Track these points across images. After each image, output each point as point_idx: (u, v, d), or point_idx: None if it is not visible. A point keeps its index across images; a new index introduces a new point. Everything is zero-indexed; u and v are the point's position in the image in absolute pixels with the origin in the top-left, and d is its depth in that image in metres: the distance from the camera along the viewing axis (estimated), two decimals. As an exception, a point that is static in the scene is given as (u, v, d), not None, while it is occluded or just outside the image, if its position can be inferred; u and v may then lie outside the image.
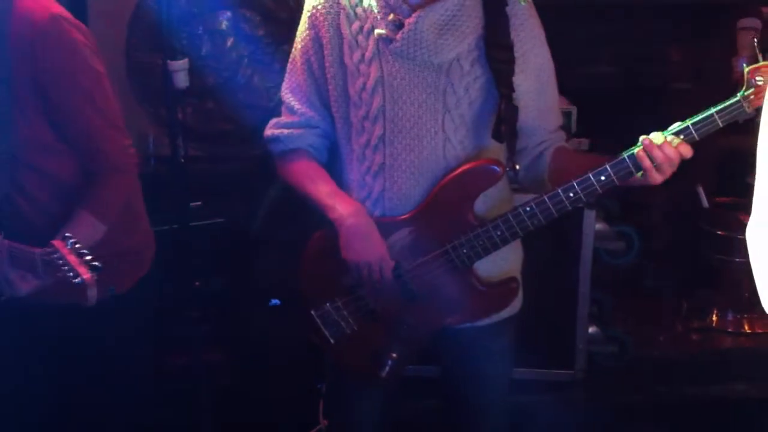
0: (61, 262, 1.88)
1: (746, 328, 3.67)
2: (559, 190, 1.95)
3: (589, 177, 1.93)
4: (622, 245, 3.27)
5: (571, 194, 1.95)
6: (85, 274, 1.88)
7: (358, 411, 2.27)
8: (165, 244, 3.09)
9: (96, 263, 1.89)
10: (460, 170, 2.03)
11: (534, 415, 3.07)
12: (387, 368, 2.07)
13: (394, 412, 2.37)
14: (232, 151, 3.89)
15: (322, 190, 2.09)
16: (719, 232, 3.67)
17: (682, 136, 1.89)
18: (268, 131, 2.19)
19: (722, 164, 3.83)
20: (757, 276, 1.50)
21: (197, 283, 2.84)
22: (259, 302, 3.14)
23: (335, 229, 2.03)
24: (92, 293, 1.92)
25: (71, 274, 1.88)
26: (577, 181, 1.94)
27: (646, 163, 1.89)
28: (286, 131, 2.15)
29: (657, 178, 1.91)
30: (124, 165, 2.22)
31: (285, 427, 2.99)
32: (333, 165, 2.17)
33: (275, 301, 2.91)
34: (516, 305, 2.20)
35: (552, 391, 3.20)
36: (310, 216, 2.13)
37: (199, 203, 3.29)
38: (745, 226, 1.53)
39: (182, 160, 2.84)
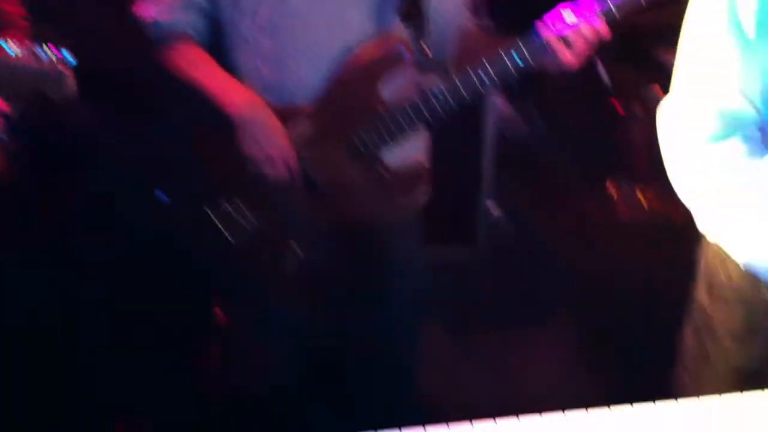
0: None
1: (643, 201, 3.71)
2: (471, 72, 1.83)
3: (502, 56, 1.81)
4: (524, 124, 3.22)
5: (483, 75, 1.83)
6: None
7: (266, 312, 2.16)
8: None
9: None
10: (362, 52, 1.88)
11: (434, 295, 3.04)
12: (293, 265, 1.96)
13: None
14: None
15: (211, 79, 1.90)
16: (619, 109, 3.65)
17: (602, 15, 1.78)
18: (145, 14, 1.97)
19: (623, 38, 3.77)
20: (664, 150, 1.50)
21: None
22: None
23: (230, 121, 1.86)
24: None
25: None
26: (489, 61, 1.82)
27: (557, 44, 1.79)
28: (165, 13, 1.93)
29: (570, 58, 1.81)
30: None
31: (180, 328, 2.84)
32: (219, 49, 1.97)
33: (163, 197, 2.70)
34: (425, 195, 2.10)
35: (454, 270, 3.17)
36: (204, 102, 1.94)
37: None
38: (645, 99, 1.49)
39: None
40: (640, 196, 3.71)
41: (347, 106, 1.89)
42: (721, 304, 1.60)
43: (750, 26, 1.37)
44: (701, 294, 1.66)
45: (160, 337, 2.64)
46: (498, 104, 3.06)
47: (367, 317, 2.29)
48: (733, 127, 1.43)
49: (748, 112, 1.45)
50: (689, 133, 1.47)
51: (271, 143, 1.85)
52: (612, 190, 3.74)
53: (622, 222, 3.60)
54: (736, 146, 1.41)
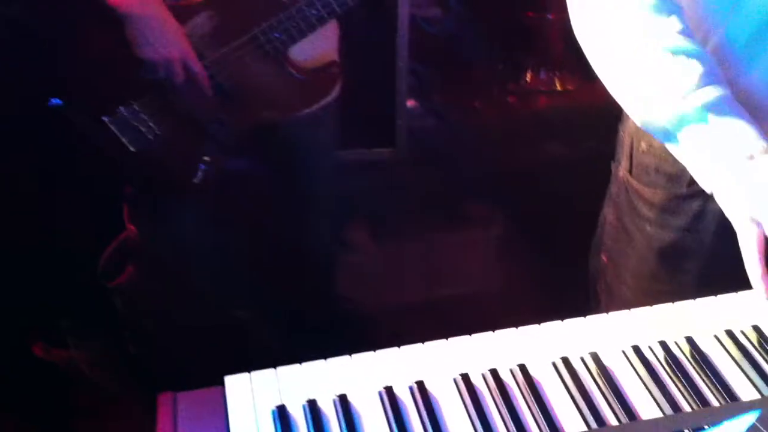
0: None
1: (558, 86, 3.66)
2: None
3: None
4: (440, 12, 3.08)
5: None
6: None
7: (173, 221, 2.05)
8: None
9: None
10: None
11: (359, 194, 2.96)
12: (200, 173, 1.84)
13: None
14: None
15: None
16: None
17: None
18: None
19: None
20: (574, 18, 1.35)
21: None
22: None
23: (118, 18, 1.69)
24: None
25: None
26: None
27: None
28: None
29: None
30: None
31: (85, 235, 2.70)
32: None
33: (56, 101, 2.51)
34: (336, 90, 1.99)
35: (375, 169, 3.08)
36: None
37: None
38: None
39: None
40: (557, 81, 3.66)
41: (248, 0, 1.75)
42: (641, 174, 1.56)
43: None
44: (622, 166, 1.62)
45: (63, 249, 2.51)
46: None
47: (285, 224, 2.21)
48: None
49: None
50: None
51: (167, 43, 1.70)
52: (529, 76, 3.68)
53: (540, 109, 3.55)
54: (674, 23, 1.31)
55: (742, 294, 1.18)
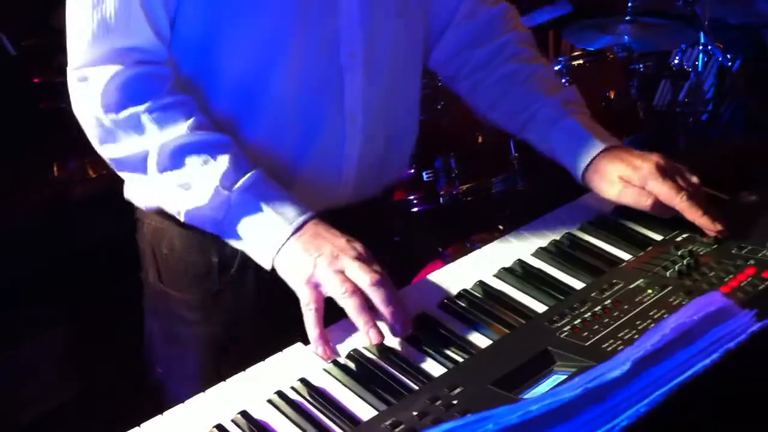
0: None
1: (90, 173, 3.51)
2: None
3: None
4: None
5: None
6: None
7: None
8: None
9: None
10: None
11: None
12: None
13: None
14: None
15: None
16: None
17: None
18: None
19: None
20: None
21: None
22: None
23: None
24: None
25: None
26: None
27: None
28: None
29: None
30: None
31: None
32: None
33: None
34: None
35: None
36: None
37: None
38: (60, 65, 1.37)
39: None
40: (88, 168, 3.51)
41: None
42: (172, 279, 1.55)
43: None
44: (151, 276, 1.60)
45: None
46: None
47: None
48: (145, 80, 1.34)
49: (160, 52, 1.37)
50: (93, 99, 1.35)
51: None
52: (58, 171, 3.48)
53: (76, 199, 3.36)
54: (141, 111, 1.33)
55: (287, 351, 1.21)
